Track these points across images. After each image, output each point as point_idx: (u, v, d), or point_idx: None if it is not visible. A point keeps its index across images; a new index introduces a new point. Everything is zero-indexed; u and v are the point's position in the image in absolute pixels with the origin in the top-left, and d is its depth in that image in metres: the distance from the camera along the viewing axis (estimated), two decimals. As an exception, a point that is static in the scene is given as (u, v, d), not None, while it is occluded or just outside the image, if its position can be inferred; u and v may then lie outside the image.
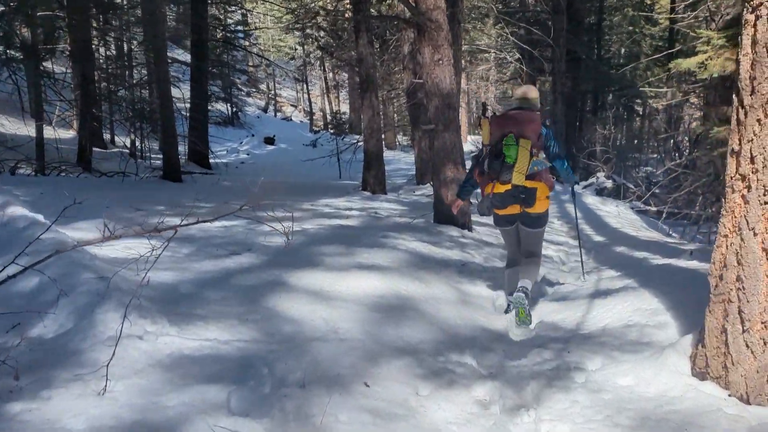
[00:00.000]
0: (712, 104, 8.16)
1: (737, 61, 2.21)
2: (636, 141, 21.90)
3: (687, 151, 15.20)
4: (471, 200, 7.70)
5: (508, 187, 3.58)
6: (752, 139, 2.16)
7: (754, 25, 2.11)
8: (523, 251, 3.97)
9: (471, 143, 28.30)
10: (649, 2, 26.18)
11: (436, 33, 5.96)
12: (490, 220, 8.17)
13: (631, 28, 25.62)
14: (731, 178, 2.28)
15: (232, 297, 3.35)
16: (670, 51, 18.61)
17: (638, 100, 25.25)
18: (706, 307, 2.48)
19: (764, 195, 2.15)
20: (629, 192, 14.18)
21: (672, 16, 13.93)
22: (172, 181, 9.55)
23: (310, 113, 31.56)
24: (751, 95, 2.15)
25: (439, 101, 6.07)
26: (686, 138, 15.86)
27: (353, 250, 4.52)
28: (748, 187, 2.20)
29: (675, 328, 3.02)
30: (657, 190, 14.62)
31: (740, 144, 2.22)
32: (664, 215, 10.34)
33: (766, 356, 2.24)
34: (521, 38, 17.72)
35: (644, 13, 25.69)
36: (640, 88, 25.37)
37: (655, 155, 22.25)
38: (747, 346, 2.28)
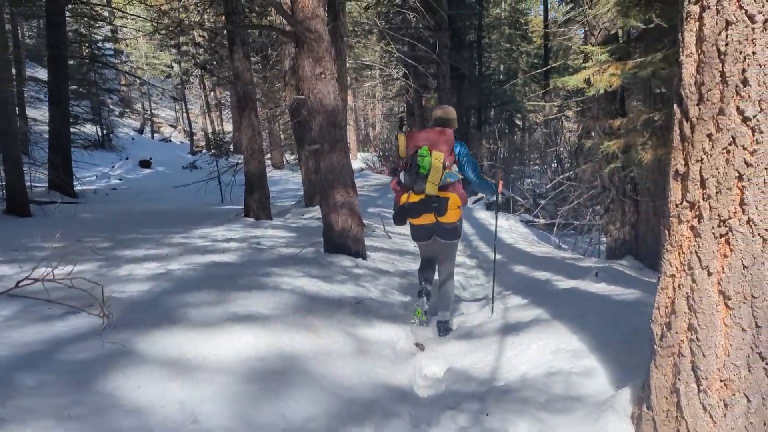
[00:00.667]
0: (596, 118, 8.24)
1: (679, 64, 1.80)
2: (518, 154, 22.64)
3: (568, 163, 15.81)
4: (364, 222, 7.19)
5: (422, 196, 3.84)
6: (702, 159, 1.75)
7: (700, 18, 1.70)
8: (439, 268, 4.29)
9: (361, 161, 28.04)
10: (522, 21, 27.53)
11: (316, 44, 5.38)
12: (384, 243, 7.71)
13: (508, 45, 26.72)
14: (676, 206, 1.87)
15: (53, 381, 2.51)
16: (546, 68, 19.41)
17: (519, 115, 26.36)
18: (651, 360, 2.05)
19: (719, 226, 1.74)
20: (518, 205, 14.43)
21: (548, 30, 14.40)
22: (18, 216, 8.19)
23: (191, 134, 29.85)
24: (698, 105, 1.74)
25: (323, 119, 5.49)
26: (566, 150, 16.46)
27: (227, 296, 3.78)
28: (699, 217, 1.80)
29: (605, 376, 2.60)
30: (542, 202, 15.02)
31: (687, 165, 1.81)
32: (556, 228, 10.39)
33: (728, 421, 1.83)
34: (406, 54, 17.67)
35: (518, 32, 26.95)
36: (520, 104, 26.56)
37: (536, 167, 23.23)
38: (704, 409, 1.86)
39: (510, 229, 11.70)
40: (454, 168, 3.93)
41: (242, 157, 9.09)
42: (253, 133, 8.80)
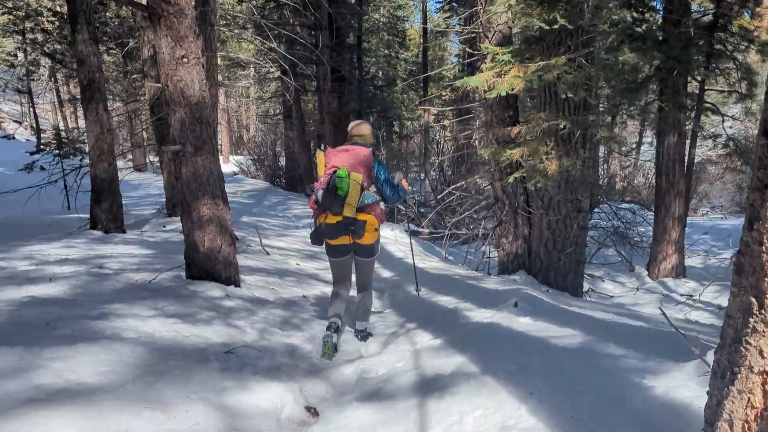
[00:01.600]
0: (489, 125, 7.83)
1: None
2: (396, 161, 22.35)
3: (450, 171, 15.64)
4: (237, 237, 6.17)
5: (339, 218, 3.75)
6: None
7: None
8: (357, 282, 4.22)
9: (234, 164, 26.35)
10: (401, 29, 27.50)
11: (176, 20, 4.30)
12: (261, 262, 6.68)
13: (387, 51, 26.52)
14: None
15: None
16: (426, 74, 19.27)
17: (397, 122, 26.23)
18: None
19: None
20: (401, 214, 13.95)
21: (426, 40, 14.09)
22: None
23: (37, 130, 26.34)
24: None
25: (185, 113, 4.40)
26: (449, 159, 16.28)
27: (35, 357, 2.64)
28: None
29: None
30: (424, 210, 14.67)
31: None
32: (445, 240, 9.94)
33: None
34: (284, 52, 16.60)
35: (397, 38, 26.86)
36: (399, 110, 26.44)
37: (414, 175, 23.13)
38: None
39: (396, 240, 11.11)
40: (372, 189, 3.93)
41: (88, 158, 7.59)
42: (102, 129, 7.36)
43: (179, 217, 8.29)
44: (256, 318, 4.03)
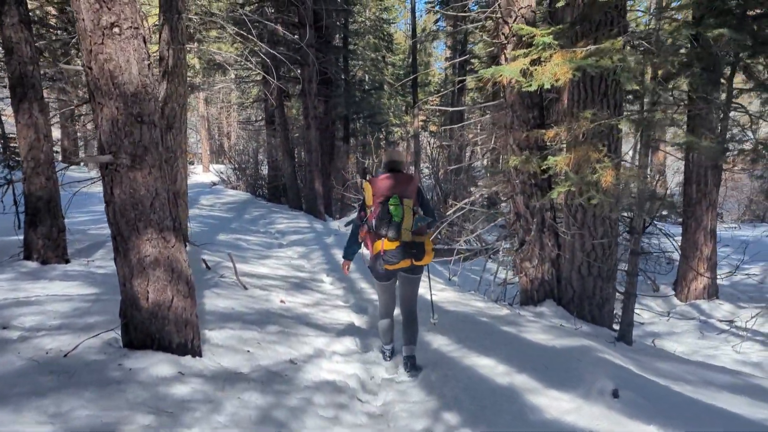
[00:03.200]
0: (509, 128, 6.51)
1: None
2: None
3: (447, 182, 14.33)
4: (208, 266, 4.86)
5: (397, 243, 3.83)
6: None
7: None
8: (403, 305, 4.15)
9: (214, 173, 24.83)
10: (387, 32, 26.25)
11: (104, -29, 2.92)
12: (235, 301, 5.26)
13: (374, 54, 25.23)
14: None
15: None
16: (415, 75, 17.99)
17: (384, 128, 24.90)
18: None
19: None
20: (397, 228, 12.55)
21: (416, 40, 12.84)
22: None
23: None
24: None
25: (118, 108, 3.02)
26: (439, 169, 14.97)
27: None
28: None
29: None
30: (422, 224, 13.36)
31: None
32: (461, 260, 8.65)
33: None
34: (266, 53, 15.21)
35: (384, 42, 25.61)
36: (386, 116, 25.20)
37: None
38: None
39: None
40: (420, 211, 4.02)
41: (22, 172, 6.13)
42: (37, 135, 5.92)
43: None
44: (220, 419, 2.63)
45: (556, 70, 4.47)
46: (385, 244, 3.82)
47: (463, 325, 4.69)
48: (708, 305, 9.56)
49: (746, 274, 11.63)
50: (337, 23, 17.63)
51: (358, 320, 5.42)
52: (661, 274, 11.49)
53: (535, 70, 4.55)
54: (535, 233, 6.77)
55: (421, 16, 32.80)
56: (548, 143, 6.20)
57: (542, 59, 4.65)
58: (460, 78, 19.48)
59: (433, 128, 26.86)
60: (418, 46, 26.57)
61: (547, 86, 4.44)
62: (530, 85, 4.54)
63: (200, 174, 27.35)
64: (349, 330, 4.91)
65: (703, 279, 9.72)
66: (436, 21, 26.76)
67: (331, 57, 16.31)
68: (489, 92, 9.73)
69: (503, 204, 9.03)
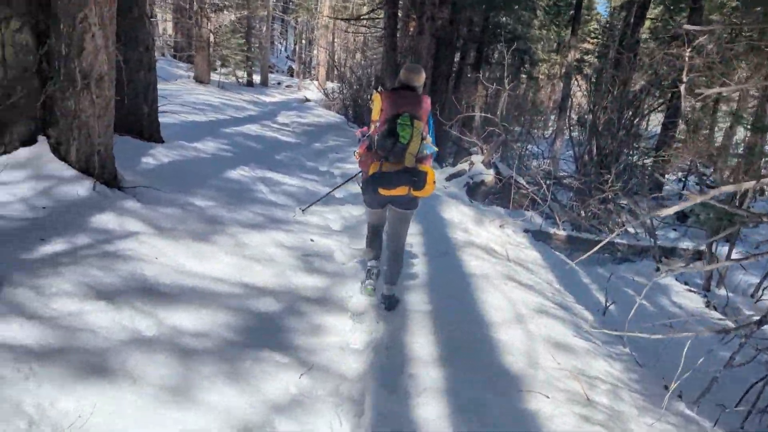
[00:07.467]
0: None
1: None
2: (518, 113, 14.93)
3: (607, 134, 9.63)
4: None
5: (398, 167, 3.44)
6: None
7: None
8: (390, 242, 3.81)
9: (321, 92, 21.43)
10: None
11: None
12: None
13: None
14: None
15: None
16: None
17: (527, 59, 19.87)
18: None
19: None
20: (520, 195, 8.36)
21: None
22: None
23: None
24: None
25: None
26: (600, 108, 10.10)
27: None
28: None
29: None
30: (554, 198, 8.93)
31: None
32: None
33: None
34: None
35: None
36: (530, 42, 20.29)
37: (538, 131, 16.93)
38: None
39: (505, 251, 5.73)
40: (429, 139, 3.56)
41: None
42: None
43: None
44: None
45: None
46: (384, 166, 3.44)
47: None
48: None
49: None
50: None
51: None
52: None
53: None
54: None
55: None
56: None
57: None
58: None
59: (587, 71, 21.79)
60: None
61: None
62: None
63: (312, 90, 23.99)
64: None
65: None
66: None
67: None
68: None
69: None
